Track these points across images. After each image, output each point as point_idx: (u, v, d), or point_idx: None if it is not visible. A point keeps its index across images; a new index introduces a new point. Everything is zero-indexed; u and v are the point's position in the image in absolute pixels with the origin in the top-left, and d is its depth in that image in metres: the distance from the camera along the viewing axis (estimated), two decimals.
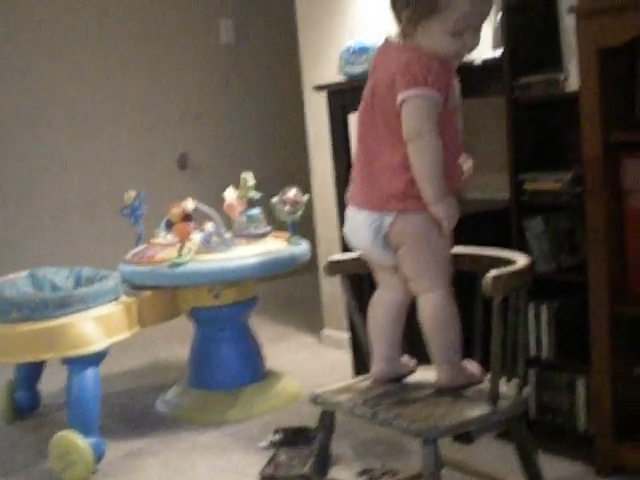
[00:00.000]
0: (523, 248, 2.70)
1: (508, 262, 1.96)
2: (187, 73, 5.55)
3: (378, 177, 2.01)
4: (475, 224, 2.07)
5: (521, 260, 1.94)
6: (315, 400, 2.08)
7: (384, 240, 2.03)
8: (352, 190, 2.13)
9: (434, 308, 2.01)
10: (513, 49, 2.71)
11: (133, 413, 3.58)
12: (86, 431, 2.93)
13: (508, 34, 2.70)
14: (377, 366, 2.15)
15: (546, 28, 2.72)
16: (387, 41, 2.06)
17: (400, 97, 1.92)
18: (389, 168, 1.99)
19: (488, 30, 3.05)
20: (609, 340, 2.50)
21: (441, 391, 2.01)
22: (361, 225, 2.06)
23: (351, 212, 2.11)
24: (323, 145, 3.88)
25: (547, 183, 2.70)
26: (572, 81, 2.60)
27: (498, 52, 2.81)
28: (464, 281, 2.21)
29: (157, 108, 5.45)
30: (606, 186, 2.43)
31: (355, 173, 2.11)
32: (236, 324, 3.55)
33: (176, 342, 4.42)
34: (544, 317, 2.79)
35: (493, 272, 1.81)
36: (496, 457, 2.75)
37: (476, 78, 2.98)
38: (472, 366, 2.10)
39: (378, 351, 2.14)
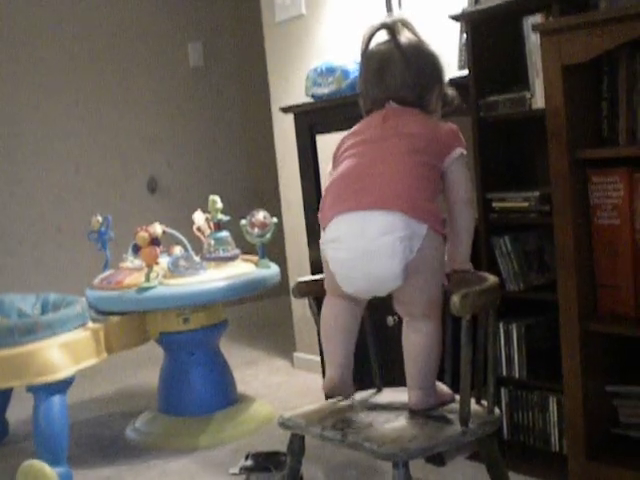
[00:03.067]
0: (492, 267, 2.70)
1: (477, 281, 1.94)
2: (156, 96, 5.53)
3: (392, 180, 1.91)
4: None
5: (489, 279, 1.93)
6: (283, 424, 2.05)
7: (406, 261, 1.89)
8: (335, 200, 1.97)
9: (429, 335, 1.96)
10: (479, 69, 2.72)
11: (102, 441, 3.53)
12: (54, 460, 2.87)
13: (473, 54, 2.71)
14: (331, 372, 2.04)
15: (511, 47, 2.73)
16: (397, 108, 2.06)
17: (456, 153, 1.99)
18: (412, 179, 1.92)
19: (454, 50, 3.06)
20: (580, 358, 2.49)
21: (412, 412, 1.99)
22: (379, 232, 1.86)
23: (352, 217, 1.91)
24: (292, 167, 3.87)
25: (515, 202, 2.69)
26: (538, 99, 2.61)
27: (464, 72, 2.82)
28: None
29: (126, 131, 5.42)
30: (574, 203, 2.42)
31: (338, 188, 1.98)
32: (206, 348, 3.51)
33: (145, 368, 4.38)
34: (514, 336, 2.78)
35: (461, 291, 1.80)
36: (469, 479, 2.73)
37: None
38: (443, 387, 2.08)
39: (332, 360, 2.05)
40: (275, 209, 3.93)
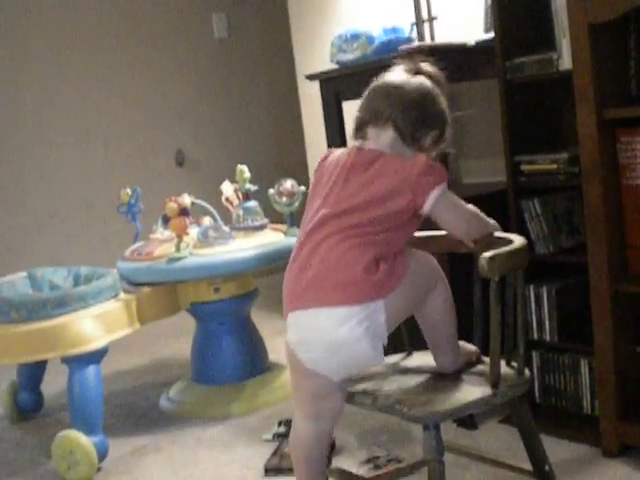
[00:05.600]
0: (522, 230, 2.69)
1: (505, 243, 1.94)
2: (181, 68, 5.54)
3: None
4: None
5: (517, 240, 1.92)
6: None
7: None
8: (286, 294, 1.94)
9: (445, 301, 1.99)
10: (505, 30, 2.69)
11: (137, 411, 3.57)
12: (89, 430, 2.91)
13: (499, 16, 2.68)
14: None
15: (537, 7, 2.70)
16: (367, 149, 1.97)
17: (433, 197, 1.87)
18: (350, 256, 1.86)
19: (479, 12, 3.04)
20: (611, 319, 2.48)
21: (442, 375, 2.00)
22: (334, 325, 1.82)
23: (304, 316, 1.88)
24: (319, 135, 3.86)
25: (544, 164, 2.68)
26: (565, 59, 2.58)
27: (490, 34, 2.79)
28: (463, 264, 2.19)
29: (152, 105, 5.44)
30: (602, 164, 2.41)
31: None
32: (237, 318, 3.53)
33: (178, 338, 4.41)
34: (545, 299, 2.77)
35: (489, 253, 1.80)
36: (501, 442, 2.74)
37: (469, 61, 2.98)
38: (466, 345, 2.09)
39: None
40: (303, 178, 3.93)
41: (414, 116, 1.92)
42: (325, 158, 2.05)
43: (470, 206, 1.98)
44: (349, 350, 1.83)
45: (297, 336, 1.90)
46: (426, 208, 1.87)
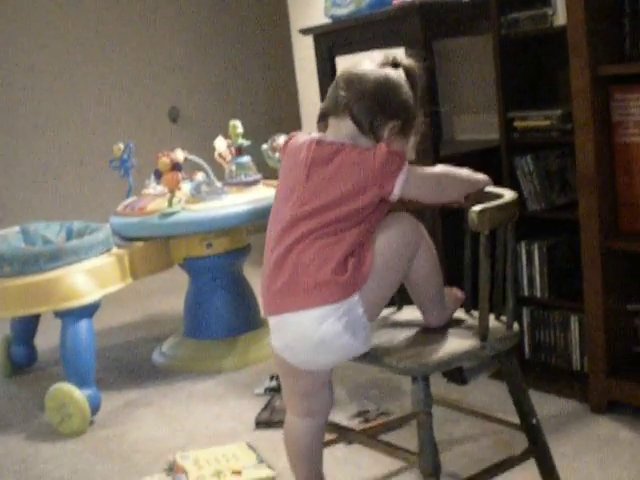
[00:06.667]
0: (514, 187, 2.68)
1: (496, 197, 1.93)
2: (176, 24, 5.50)
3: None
4: (465, 165, 2.02)
5: (507, 194, 1.92)
6: None
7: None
8: (263, 296, 1.92)
9: (427, 260, 1.95)
10: None
11: (129, 365, 3.59)
12: (82, 383, 2.93)
13: None
14: None
15: None
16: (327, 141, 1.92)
17: (399, 183, 1.84)
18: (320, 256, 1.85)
19: None
20: (601, 277, 2.49)
21: (431, 329, 2.01)
22: (313, 325, 1.81)
23: (283, 320, 1.86)
24: (312, 91, 3.84)
25: (537, 120, 2.68)
26: (560, 15, 2.57)
27: None
28: (454, 219, 2.19)
29: (146, 61, 5.40)
30: (595, 121, 2.40)
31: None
32: (230, 273, 3.54)
33: (171, 295, 4.43)
34: (536, 256, 2.78)
35: (478, 206, 1.80)
36: (490, 397, 2.77)
37: (464, 16, 2.96)
38: (450, 291, 2.08)
39: (303, 474, 2.06)
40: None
41: (370, 106, 1.89)
42: (288, 141, 2.02)
43: (438, 169, 1.95)
44: (333, 346, 1.83)
45: (281, 342, 1.89)
46: (395, 194, 1.86)
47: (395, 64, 1.96)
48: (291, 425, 2.04)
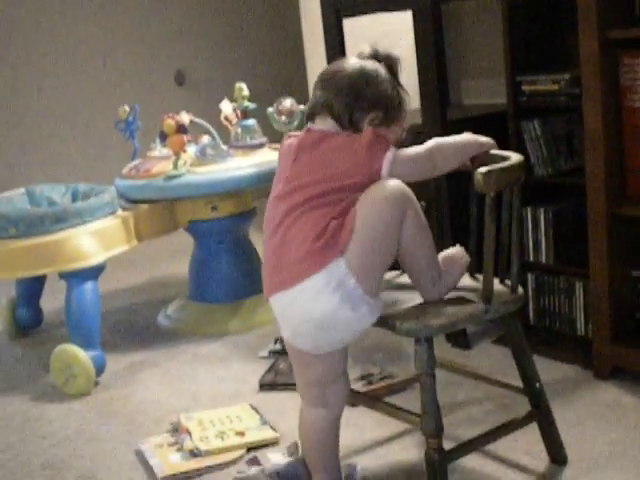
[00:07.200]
0: (521, 152, 2.66)
1: (502, 160, 1.93)
2: None
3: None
4: (472, 129, 2.01)
5: (513, 157, 1.91)
6: None
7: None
8: (263, 278, 1.94)
9: (412, 227, 1.86)
10: None
11: (135, 328, 3.60)
12: (86, 344, 2.94)
13: None
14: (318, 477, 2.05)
15: None
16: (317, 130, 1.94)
17: (386, 166, 1.85)
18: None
19: None
20: (607, 242, 2.49)
21: None
22: (309, 303, 1.82)
23: (280, 299, 1.87)
24: (319, 53, 3.81)
25: (545, 84, 2.66)
26: None
27: None
28: (459, 181, 2.18)
29: (153, 24, 5.37)
30: (603, 85, 2.38)
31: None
32: (235, 237, 3.54)
33: (176, 258, 4.43)
34: (542, 222, 2.77)
35: (484, 168, 1.79)
36: (494, 362, 2.77)
37: None
38: (447, 254, 2.03)
39: (319, 465, 2.04)
40: (302, 97, 3.89)
41: (347, 102, 1.90)
42: (284, 143, 2.03)
43: (428, 144, 1.94)
44: (336, 322, 1.82)
45: (289, 330, 1.89)
46: (384, 172, 1.85)
47: (374, 57, 1.97)
48: (304, 415, 2.03)
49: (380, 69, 1.94)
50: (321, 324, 1.83)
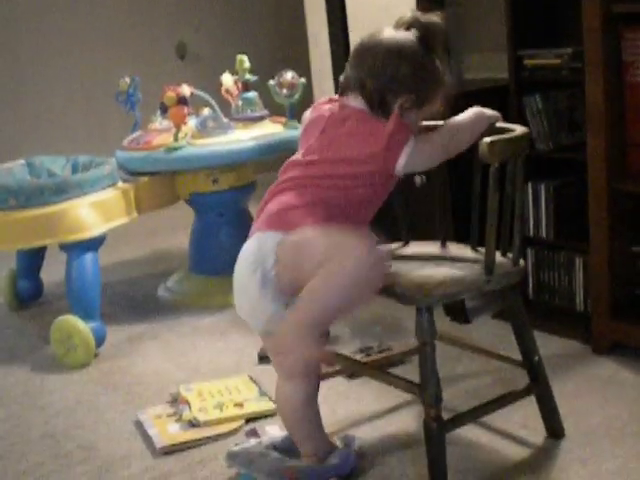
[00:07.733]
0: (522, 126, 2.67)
1: (507, 132, 1.93)
2: None
3: None
4: (474, 103, 2.01)
5: (518, 129, 1.92)
6: None
7: None
8: None
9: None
10: None
11: (135, 300, 3.61)
12: (87, 315, 2.95)
13: None
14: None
15: None
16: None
17: (404, 156, 1.83)
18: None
19: None
20: (607, 218, 2.49)
21: (437, 261, 2.01)
22: (246, 265, 1.94)
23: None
24: (321, 27, 3.79)
25: (547, 58, 2.65)
26: None
27: None
28: (460, 154, 2.18)
29: None
30: (606, 60, 2.38)
31: None
32: (235, 209, 3.54)
33: (177, 231, 4.42)
34: (543, 196, 2.78)
35: (489, 138, 1.79)
36: (493, 335, 2.78)
37: None
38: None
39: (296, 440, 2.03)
40: (303, 70, 3.88)
41: (378, 84, 1.87)
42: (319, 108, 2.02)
43: (443, 131, 1.92)
44: (249, 291, 1.88)
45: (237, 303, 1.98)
46: (399, 165, 1.84)
47: (413, 26, 1.90)
48: (278, 389, 2.00)
49: (416, 46, 1.88)
50: (240, 284, 1.92)
